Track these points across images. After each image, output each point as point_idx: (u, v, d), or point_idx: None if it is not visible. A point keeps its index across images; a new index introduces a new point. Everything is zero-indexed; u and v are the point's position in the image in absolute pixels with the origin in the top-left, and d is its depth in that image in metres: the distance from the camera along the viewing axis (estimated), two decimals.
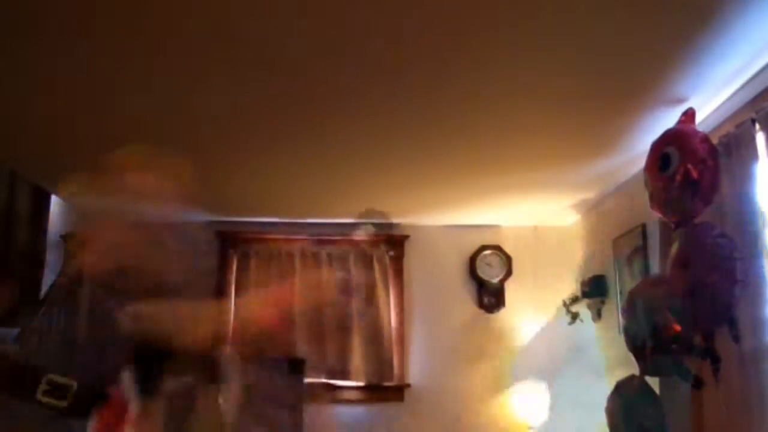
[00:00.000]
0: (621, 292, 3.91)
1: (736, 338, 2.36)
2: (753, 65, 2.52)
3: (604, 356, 4.19)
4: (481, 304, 4.85)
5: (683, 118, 2.71)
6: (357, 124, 3.13)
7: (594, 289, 4.27)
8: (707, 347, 2.37)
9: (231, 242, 4.82)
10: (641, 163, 2.81)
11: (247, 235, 4.82)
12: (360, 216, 4.65)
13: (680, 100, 2.80)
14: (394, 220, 4.84)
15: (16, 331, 3.60)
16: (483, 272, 4.84)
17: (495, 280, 4.84)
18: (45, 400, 1.53)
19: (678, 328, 2.40)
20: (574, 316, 4.60)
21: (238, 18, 2.22)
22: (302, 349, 4.61)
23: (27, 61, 2.53)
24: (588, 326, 4.49)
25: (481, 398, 4.65)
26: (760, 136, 2.47)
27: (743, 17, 2.20)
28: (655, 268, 3.42)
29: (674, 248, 2.53)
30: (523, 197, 4.32)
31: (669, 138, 2.63)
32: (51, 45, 2.40)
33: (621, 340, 3.01)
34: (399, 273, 4.87)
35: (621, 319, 3.10)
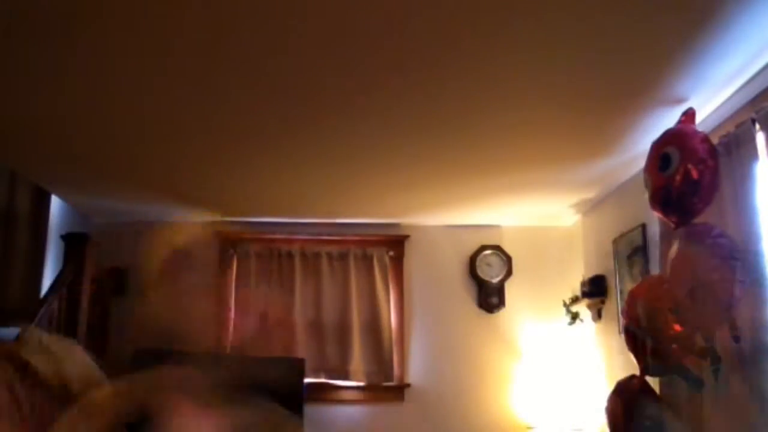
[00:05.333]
0: (621, 292, 3.91)
1: (736, 338, 2.36)
2: (753, 65, 2.52)
3: (604, 356, 4.18)
4: (481, 304, 4.84)
5: (683, 118, 2.71)
6: (357, 125, 3.13)
7: (594, 289, 4.27)
8: (707, 347, 2.37)
9: (231, 242, 4.82)
10: (641, 163, 2.80)
11: (247, 235, 4.82)
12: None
13: (680, 100, 2.80)
14: (395, 220, 4.84)
15: (16, 331, 3.61)
16: (483, 272, 4.84)
17: (495, 280, 4.84)
18: None
19: (678, 328, 2.40)
20: (574, 316, 4.60)
21: (239, 18, 2.22)
22: (302, 349, 4.61)
23: (27, 61, 2.53)
24: (588, 326, 4.49)
25: (481, 398, 4.64)
26: (760, 136, 2.46)
27: (743, 17, 2.20)
28: (655, 268, 3.42)
29: (674, 248, 2.53)
30: (523, 197, 4.32)
31: (669, 138, 2.63)
32: (51, 45, 2.40)
33: (621, 340, 3.01)
34: (399, 273, 4.86)
35: (621, 319, 3.10)
